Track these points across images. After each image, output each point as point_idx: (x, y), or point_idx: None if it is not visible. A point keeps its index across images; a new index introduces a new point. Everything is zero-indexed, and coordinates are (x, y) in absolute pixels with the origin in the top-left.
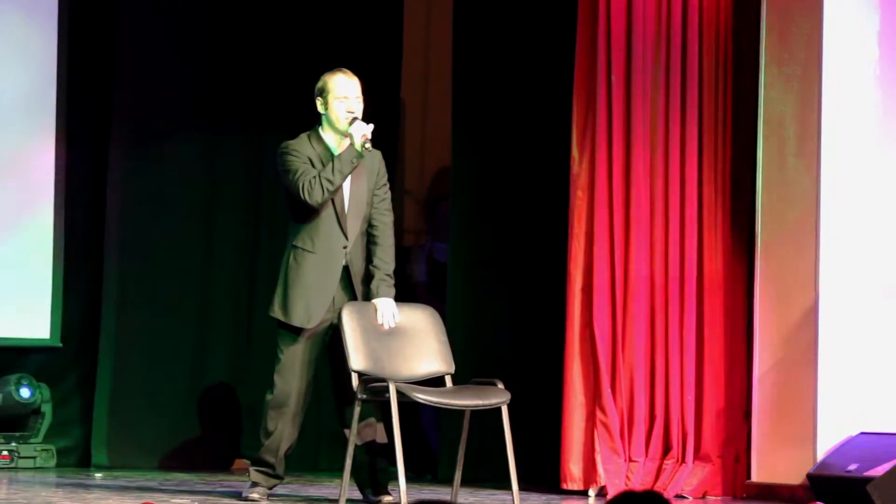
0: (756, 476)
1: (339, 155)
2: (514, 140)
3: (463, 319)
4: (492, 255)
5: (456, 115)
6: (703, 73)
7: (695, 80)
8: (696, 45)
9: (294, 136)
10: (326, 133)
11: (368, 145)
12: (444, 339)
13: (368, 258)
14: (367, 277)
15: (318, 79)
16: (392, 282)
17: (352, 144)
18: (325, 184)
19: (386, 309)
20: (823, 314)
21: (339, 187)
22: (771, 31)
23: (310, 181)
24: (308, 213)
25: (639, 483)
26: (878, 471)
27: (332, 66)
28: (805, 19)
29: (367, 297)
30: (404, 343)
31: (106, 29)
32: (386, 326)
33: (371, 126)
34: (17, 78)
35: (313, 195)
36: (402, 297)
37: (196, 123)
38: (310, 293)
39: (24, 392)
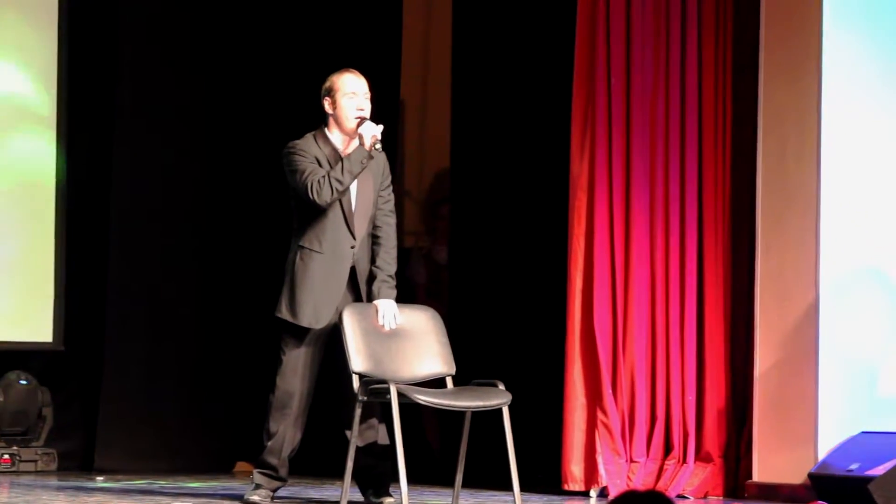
0: (757, 476)
1: (349, 155)
2: (513, 141)
3: (464, 321)
4: (492, 257)
5: (455, 117)
6: (702, 71)
7: (694, 79)
8: (696, 43)
9: (295, 136)
10: (333, 133)
11: (378, 146)
12: (445, 340)
13: (371, 259)
14: (370, 278)
15: (317, 78)
16: (393, 283)
17: (361, 144)
18: (335, 184)
19: (387, 310)
20: (824, 313)
21: (348, 188)
22: (770, 30)
23: (318, 181)
24: (315, 214)
25: (640, 484)
26: (880, 470)
27: (331, 67)
28: (804, 18)
29: (370, 298)
30: (405, 344)
31: (107, 25)
32: (387, 328)
33: (381, 127)
34: (18, 77)
35: (322, 195)
36: (402, 298)
37: (198, 124)
38: (318, 294)
39: None
